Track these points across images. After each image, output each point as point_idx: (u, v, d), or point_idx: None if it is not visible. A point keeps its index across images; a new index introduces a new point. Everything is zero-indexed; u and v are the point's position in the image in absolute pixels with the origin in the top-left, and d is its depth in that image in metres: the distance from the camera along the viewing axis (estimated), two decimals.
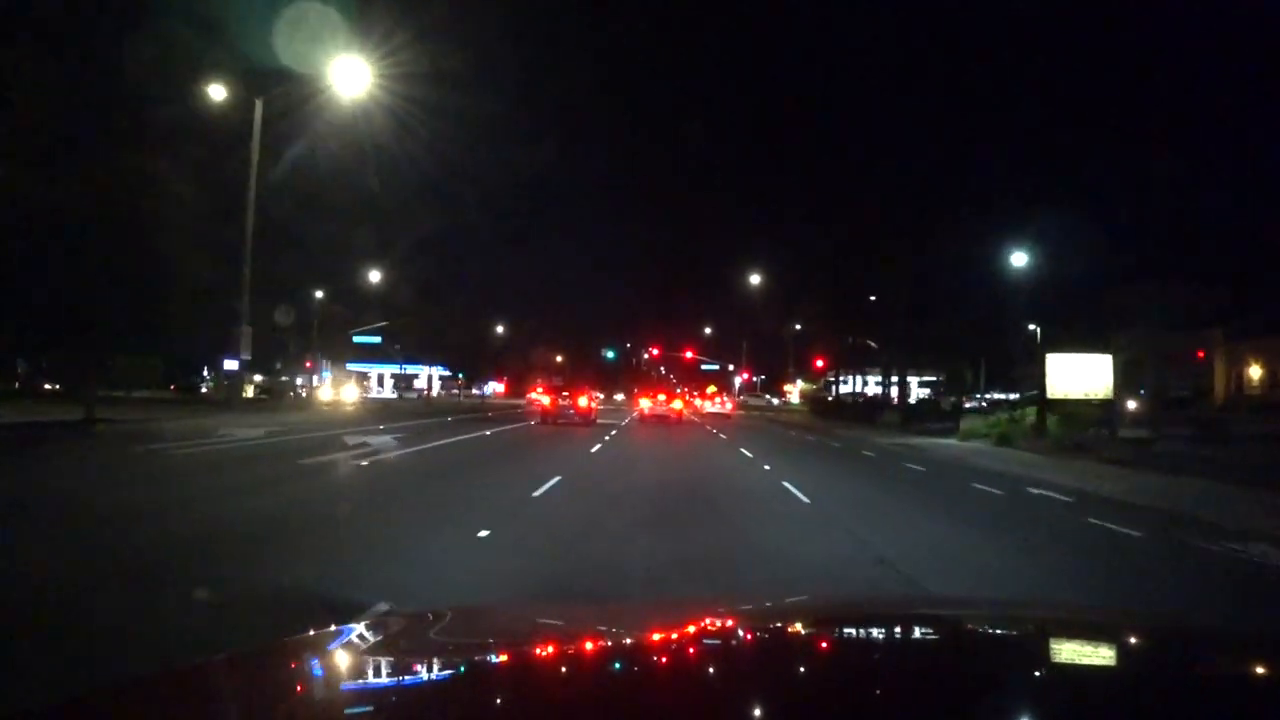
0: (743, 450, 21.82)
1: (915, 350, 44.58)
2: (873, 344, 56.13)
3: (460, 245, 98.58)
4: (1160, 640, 2.20)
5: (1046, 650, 2.12)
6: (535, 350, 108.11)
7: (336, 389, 41.99)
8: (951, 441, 28.67)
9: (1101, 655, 2.13)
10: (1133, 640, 2.20)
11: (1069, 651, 2.11)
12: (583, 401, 34.73)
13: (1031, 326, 65.79)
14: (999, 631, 2.38)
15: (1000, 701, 1.57)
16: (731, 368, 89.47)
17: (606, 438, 25.46)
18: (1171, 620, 3.37)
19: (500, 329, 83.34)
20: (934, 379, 63.03)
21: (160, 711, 1.50)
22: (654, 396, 48.37)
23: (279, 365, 61.54)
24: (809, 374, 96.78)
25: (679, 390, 78.96)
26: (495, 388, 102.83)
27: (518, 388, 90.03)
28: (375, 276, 55.41)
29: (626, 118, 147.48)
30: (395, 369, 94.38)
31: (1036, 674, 1.91)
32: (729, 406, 56.83)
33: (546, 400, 35.97)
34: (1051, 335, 31.27)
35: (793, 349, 75.11)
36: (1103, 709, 1.58)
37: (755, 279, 63.13)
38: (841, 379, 63.64)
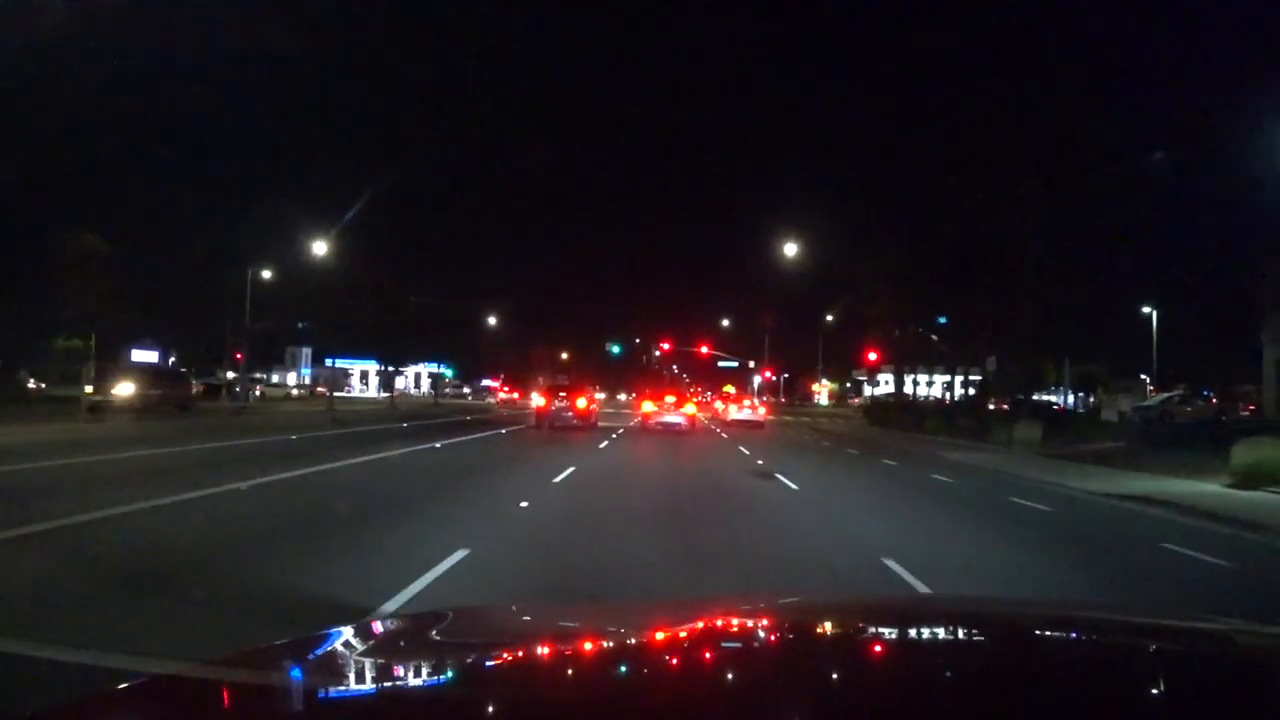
0: (893, 566, 7.32)
1: (1051, 330, 30.60)
2: (932, 335, 43.17)
3: (438, 227, 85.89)
4: (1173, 641, 2.13)
5: (1050, 649, 2.09)
6: (533, 346, 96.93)
7: (104, 387, 28.69)
8: (1220, 488, 14.88)
9: (1117, 657, 2.00)
10: (1146, 640, 2.14)
11: (1082, 650, 2.08)
12: (581, 403, 32.10)
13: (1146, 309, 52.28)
14: (1008, 631, 2.28)
15: (1006, 702, 1.54)
16: (751, 364, 76.51)
17: (549, 488, 11.58)
18: (1198, 623, 2.74)
19: (492, 321, 71.59)
20: (977, 377, 49.22)
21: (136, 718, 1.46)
22: (659, 398, 36.27)
23: (172, 360, 49.46)
24: (842, 373, 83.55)
25: (691, 390, 66.16)
26: (491, 386, 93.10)
27: (517, 387, 79.94)
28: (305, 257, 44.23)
29: (632, 59, 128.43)
30: (377, 365, 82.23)
31: (1042, 675, 1.80)
32: (761, 412, 42.71)
33: (542, 401, 33.57)
34: None
35: (823, 343, 62.60)
36: (1110, 710, 1.53)
37: (790, 250, 49.72)
38: (910, 376, 49.79)
